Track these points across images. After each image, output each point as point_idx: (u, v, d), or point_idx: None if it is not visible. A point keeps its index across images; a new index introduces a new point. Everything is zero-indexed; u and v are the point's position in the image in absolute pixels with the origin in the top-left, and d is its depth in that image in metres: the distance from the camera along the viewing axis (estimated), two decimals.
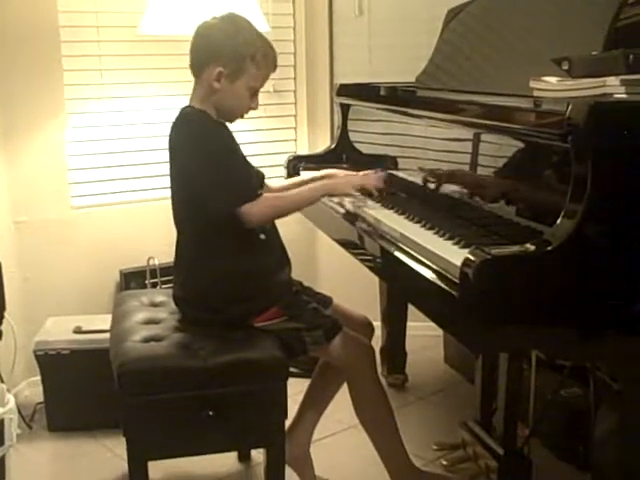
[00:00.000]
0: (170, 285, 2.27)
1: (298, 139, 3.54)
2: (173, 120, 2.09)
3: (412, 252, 1.77)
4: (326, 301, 2.21)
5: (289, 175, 2.74)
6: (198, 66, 2.08)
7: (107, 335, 2.22)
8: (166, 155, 2.09)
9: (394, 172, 2.38)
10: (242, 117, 2.15)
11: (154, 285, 3.01)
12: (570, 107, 1.46)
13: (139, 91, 3.10)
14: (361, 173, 2.30)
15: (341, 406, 2.27)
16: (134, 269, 3.05)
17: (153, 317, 2.20)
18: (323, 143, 3.31)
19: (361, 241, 2.14)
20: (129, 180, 3.14)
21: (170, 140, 2.08)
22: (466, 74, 2.41)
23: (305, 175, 2.53)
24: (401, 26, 3.33)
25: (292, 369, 2.33)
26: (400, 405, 2.81)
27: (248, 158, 2.22)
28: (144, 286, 3.01)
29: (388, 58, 3.35)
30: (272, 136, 3.46)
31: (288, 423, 2.12)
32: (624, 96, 1.60)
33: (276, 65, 2.13)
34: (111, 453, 2.56)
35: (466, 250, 1.51)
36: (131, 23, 2.92)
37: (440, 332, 2.97)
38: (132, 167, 3.14)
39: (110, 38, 3.01)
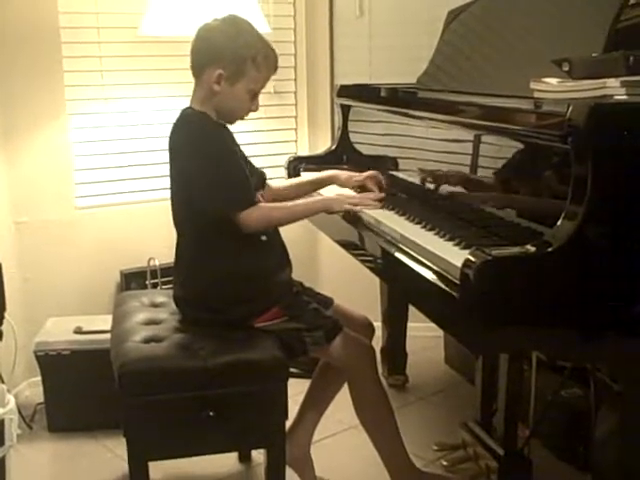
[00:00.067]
0: (170, 286, 2.27)
1: (298, 140, 3.54)
2: (173, 121, 2.10)
3: (413, 253, 1.78)
4: (327, 302, 2.22)
5: (289, 176, 2.75)
6: (198, 68, 2.08)
7: (108, 336, 2.22)
8: (166, 156, 2.09)
9: (394, 173, 2.38)
10: (242, 119, 2.15)
11: (154, 286, 3.01)
12: (570, 108, 1.47)
13: (140, 92, 3.10)
14: (361, 174, 2.30)
15: (341, 406, 2.27)
16: (134, 270, 3.05)
17: (153, 318, 2.20)
18: (323, 144, 3.31)
19: (362, 242, 2.14)
20: (129, 181, 3.15)
21: (170, 141, 2.08)
22: (467, 75, 2.41)
23: (307, 175, 2.54)
24: (402, 27, 3.33)
25: (292, 369, 2.33)
26: (400, 405, 2.81)
27: (249, 159, 2.23)
28: (144, 287, 3.02)
29: (388, 59, 3.35)
30: (273, 137, 3.46)
31: (288, 424, 2.12)
32: (624, 97, 1.60)
33: (277, 67, 2.13)
34: (111, 453, 2.56)
35: (467, 251, 1.52)
36: (132, 24, 2.92)
37: (440, 333, 2.97)
38: (133, 168, 3.14)
39: (111, 39, 3.01)
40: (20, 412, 2.52)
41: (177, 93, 2.93)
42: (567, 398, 2.23)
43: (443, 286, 1.56)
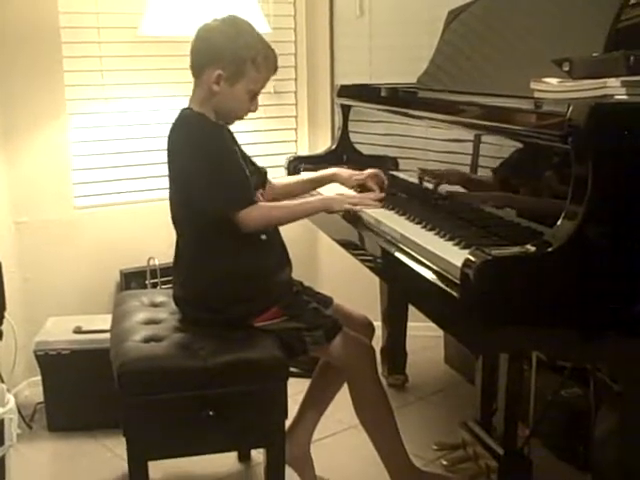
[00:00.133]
0: (170, 285, 2.27)
1: (299, 140, 3.54)
2: (172, 122, 2.10)
3: (413, 253, 1.78)
4: (326, 301, 2.22)
5: (290, 176, 2.75)
6: (198, 68, 2.08)
7: (107, 335, 2.22)
8: (166, 156, 2.09)
9: (395, 173, 2.38)
10: (241, 119, 2.15)
11: (154, 285, 3.01)
12: (571, 108, 1.47)
13: (140, 92, 3.10)
14: (363, 172, 2.31)
15: (341, 406, 2.27)
16: (134, 269, 3.05)
17: (153, 317, 2.20)
18: (324, 144, 3.31)
19: (362, 242, 2.14)
20: (129, 181, 3.15)
21: (169, 142, 2.08)
22: (467, 75, 2.42)
23: (308, 174, 2.54)
24: (402, 27, 3.33)
25: (292, 369, 2.34)
26: (400, 405, 2.81)
27: (251, 158, 2.23)
28: (144, 286, 3.02)
29: (389, 59, 3.35)
30: (273, 137, 3.46)
31: (288, 423, 2.12)
32: (625, 97, 1.60)
33: (276, 68, 2.13)
34: (111, 453, 2.56)
35: (466, 251, 1.52)
36: (132, 24, 2.92)
37: (440, 332, 2.97)
38: (133, 167, 3.14)
39: (111, 39, 3.01)
40: (20, 412, 2.52)
41: (177, 93, 2.93)
42: (567, 398, 2.23)
43: (443, 286, 1.56)
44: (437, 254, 1.67)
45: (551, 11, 2.15)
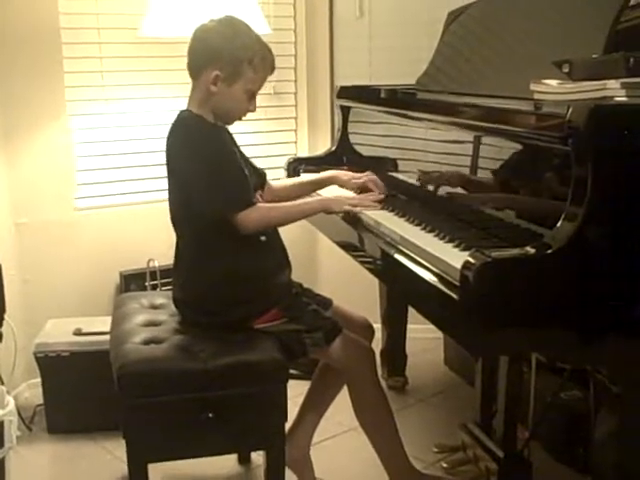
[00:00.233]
0: (170, 287, 2.27)
1: (298, 141, 3.54)
2: (171, 124, 2.09)
3: (412, 254, 1.77)
4: (326, 303, 2.21)
5: (289, 177, 2.74)
6: (196, 69, 2.08)
7: (107, 337, 2.22)
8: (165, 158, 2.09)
9: (394, 174, 2.38)
10: (240, 119, 2.15)
11: (154, 287, 3.01)
12: (570, 110, 1.47)
13: (140, 93, 3.10)
14: (361, 176, 2.31)
15: (341, 408, 2.27)
16: (134, 271, 3.05)
17: (153, 319, 2.20)
18: (323, 145, 3.31)
19: (361, 243, 2.14)
20: (129, 182, 3.15)
21: (167, 144, 2.08)
22: (467, 76, 2.41)
23: (307, 176, 2.54)
24: (402, 29, 3.33)
25: (292, 371, 2.33)
26: (400, 407, 2.81)
27: (250, 159, 2.22)
28: (144, 288, 3.01)
29: (388, 60, 3.35)
30: (272, 138, 3.46)
31: (288, 425, 2.12)
32: (624, 99, 1.60)
33: (274, 68, 2.13)
34: (111, 455, 2.55)
35: (466, 253, 1.51)
36: (132, 25, 2.93)
37: (440, 334, 2.96)
38: (133, 169, 3.14)
39: (111, 40, 3.01)
40: (20, 414, 2.51)
41: (178, 94, 2.92)
42: (566, 400, 2.22)
43: (443, 288, 1.56)
44: (437, 256, 1.67)
45: (551, 13, 2.15)
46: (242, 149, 2.20)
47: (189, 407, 1.92)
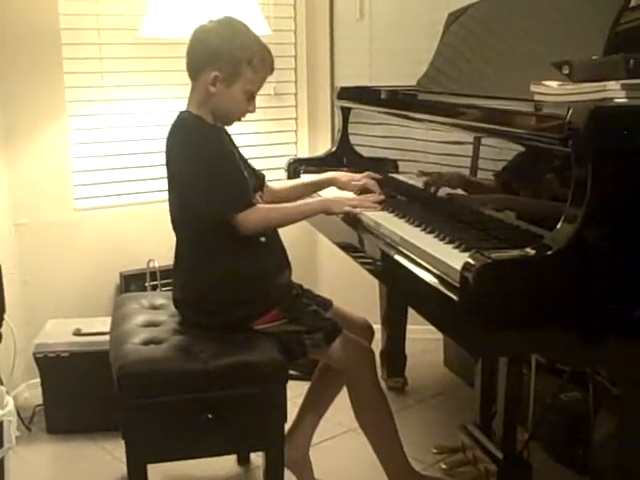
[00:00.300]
0: (170, 288, 2.27)
1: (299, 142, 3.54)
2: (170, 125, 2.10)
3: (412, 256, 1.77)
4: (326, 304, 2.21)
5: (289, 178, 2.75)
6: (195, 70, 2.08)
7: (107, 338, 2.21)
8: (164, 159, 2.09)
9: (394, 175, 2.38)
10: (239, 120, 2.15)
11: (154, 288, 3.01)
12: (571, 111, 1.47)
13: (140, 94, 3.10)
14: (363, 179, 2.31)
15: (341, 409, 2.27)
16: (134, 271, 3.05)
17: (153, 320, 2.20)
18: (324, 146, 3.31)
19: (361, 244, 2.14)
20: (129, 183, 3.15)
21: (166, 145, 2.08)
22: (467, 78, 2.41)
23: (307, 177, 2.54)
24: (402, 30, 3.33)
25: (292, 372, 2.33)
26: (400, 408, 2.81)
27: (249, 161, 2.23)
28: (144, 289, 3.01)
29: (389, 62, 3.35)
30: (273, 139, 3.46)
31: (287, 426, 2.12)
32: (624, 100, 1.60)
33: (273, 69, 2.13)
34: (110, 456, 2.55)
35: (466, 254, 1.51)
36: (132, 26, 2.93)
37: (440, 335, 2.95)
38: (133, 170, 3.14)
39: (111, 41, 3.01)
40: (19, 414, 2.51)
41: (178, 95, 2.92)
42: (566, 401, 2.22)
43: (443, 289, 1.56)
44: (437, 257, 1.67)
45: (551, 14, 2.15)
46: (242, 150, 2.20)
47: (189, 408, 1.92)
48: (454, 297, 1.50)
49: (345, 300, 2.32)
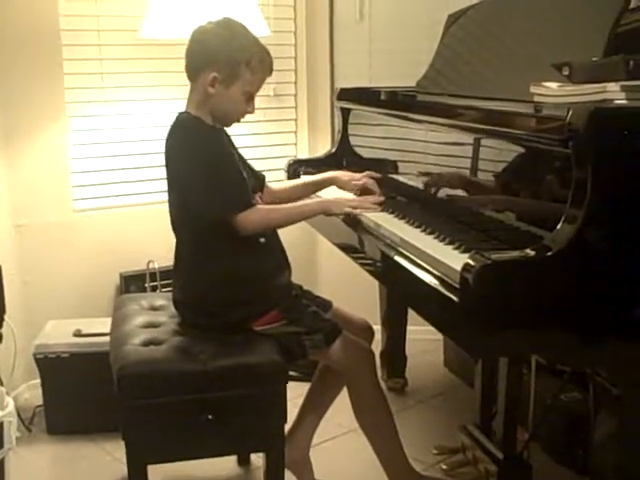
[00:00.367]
0: (170, 289, 2.27)
1: (298, 143, 3.54)
2: (170, 126, 2.10)
3: (412, 257, 1.78)
4: (326, 305, 2.22)
5: (289, 179, 2.75)
6: (193, 71, 2.08)
7: (107, 338, 2.22)
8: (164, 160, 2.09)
9: (394, 176, 2.38)
10: (238, 121, 2.15)
11: (154, 288, 3.01)
12: (570, 113, 1.47)
13: (140, 94, 3.11)
14: (363, 178, 2.31)
15: (341, 410, 2.27)
16: (134, 272, 3.05)
17: (153, 321, 2.20)
18: (323, 147, 3.31)
19: (361, 245, 2.14)
20: (129, 183, 3.15)
21: (166, 147, 2.08)
22: (466, 79, 2.42)
23: (307, 177, 2.53)
24: (401, 31, 3.33)
25: (292, 373, 2.33)
26: (400, 409, 2.81)
27: (248, 162, 2.23)
28: (144, 289, 3.01)
29: (388, 63, 3.36)
30: (272, 140, 3.46)
31: (288, 427, 2.12)
32: (624, 102, 1.60)
33: (272, 70, 2.13)
34: (110, 457, 2.55)
35: (466, 255, 1.51)
36: (132, 27, 2.93)
37: (440, 336, 2.96)
38: (133, 170, 3.14)
39: (111, 42, 3.01)
40: (19, 415, 2.52)
41: (178, 96, 2.91)
42: (566, 402, 2.22)
43: (443, 290, 1.56)
44: (437, 258, 1.67)
45: (551, 15, 2.15)
46: (242, 151, 2.21)
47: (189, 408, 1.92)
48: (454, 298, 1.50)
49: (345, 301, 2.32)
